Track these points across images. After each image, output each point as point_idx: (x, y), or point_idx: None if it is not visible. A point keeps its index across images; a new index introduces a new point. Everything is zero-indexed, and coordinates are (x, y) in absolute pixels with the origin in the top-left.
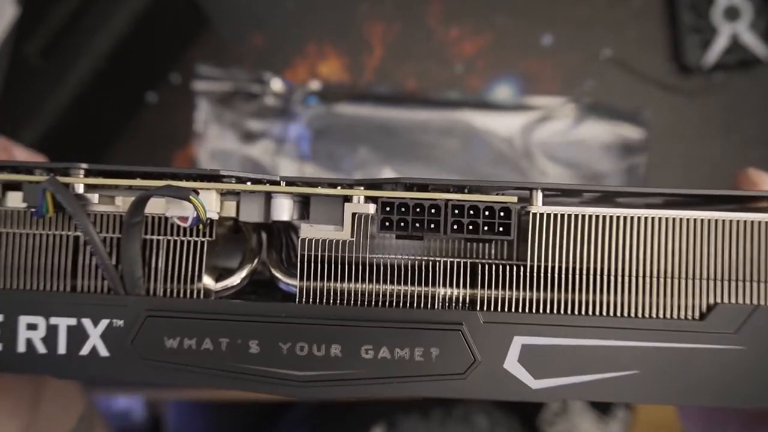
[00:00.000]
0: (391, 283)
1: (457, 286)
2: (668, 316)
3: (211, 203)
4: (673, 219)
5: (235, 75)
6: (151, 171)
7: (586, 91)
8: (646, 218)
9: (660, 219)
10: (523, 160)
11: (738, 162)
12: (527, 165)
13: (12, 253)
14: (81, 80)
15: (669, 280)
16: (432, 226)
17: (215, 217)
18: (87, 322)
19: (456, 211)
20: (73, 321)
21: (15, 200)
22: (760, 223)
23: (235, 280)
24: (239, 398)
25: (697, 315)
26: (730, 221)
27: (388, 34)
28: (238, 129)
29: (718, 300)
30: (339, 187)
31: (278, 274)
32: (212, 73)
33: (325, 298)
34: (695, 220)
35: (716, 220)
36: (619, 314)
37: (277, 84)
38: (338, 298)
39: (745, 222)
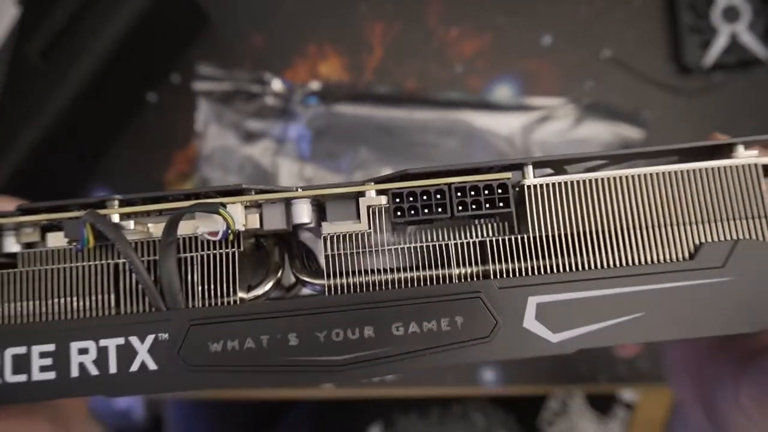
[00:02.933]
0: (410, 270)
1: (470, 264)
2: (663, 260)
3: (237, 216)
4: (653, 174)
5: (235, 75)
6: (178, 193)
7: (586, 91)
8: (628, 177)
9: (641, 176)
10: None
11: None
12: None
13: (58, 287)
14: (81, 80)
15: (658, 229)
16: (440, 209)
17: (242, 229)
18: (134, 340)
19: (459, 194)
20: (121, 340)
21: (55, 240)
22: (725, 168)
23: (264, 287)
24: (240, 397)
25: (687, 255)
26: (702, 170)
27: (388, 35)
28: (238, 129)
29: (703, 240)
30: (349, 187)
31: (305, 277)
32: (213, 74)
33: (351, 289)
34: (672, 173)
35: (690, 171)
36: (619, 265)
37: (277, 84)
38: (363, 288)
39: (713, 169)
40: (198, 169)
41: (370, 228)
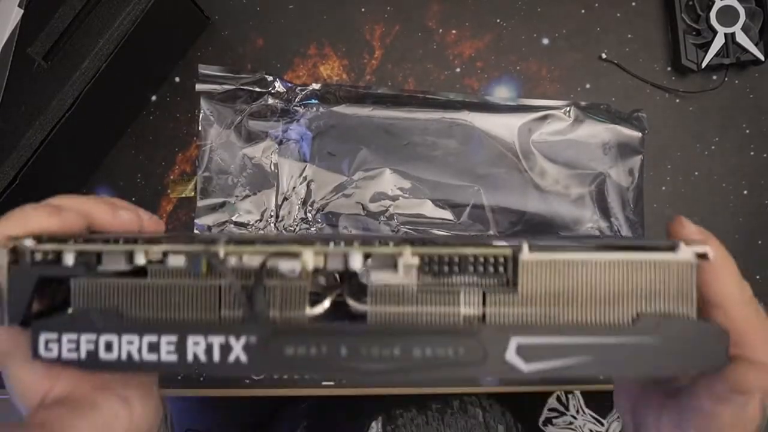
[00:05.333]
0: (431, 305)
1: (473, 306)
2: (612, 323)
3: (309, 259)
4: (612, 261)
5: (236, 76)
6: (268, 238)
7: (585, 92)
8: (595, 261)
9: (603, 261)
10: (522, 161)
11: (734, 160)
12: (526, 165)
13: (179, 296)
14: (83, 82)
15: (611, 300)
16: (457, 269)
17: (311, 269)
18: (232, 340)
19: (471, 259)
20: (222, 339)
21: (174, 260)
22: (667, 261)
23: (324, 306)
24: (242, 395)
25: (630, 321)
26: (649, 261)
27: (388, 36)
28: (239, 129)
29: (642, 311)
30: (392, 244)
31: (352, 302)
32: (214, 74)
33: (387, 318)
34: (625, 261)
35: (639, 260)
36: (579, 322)
37: (277, 85)
38: (395, 319)
39: (658, 261)
40: (199, 170)
41: (404, 276)
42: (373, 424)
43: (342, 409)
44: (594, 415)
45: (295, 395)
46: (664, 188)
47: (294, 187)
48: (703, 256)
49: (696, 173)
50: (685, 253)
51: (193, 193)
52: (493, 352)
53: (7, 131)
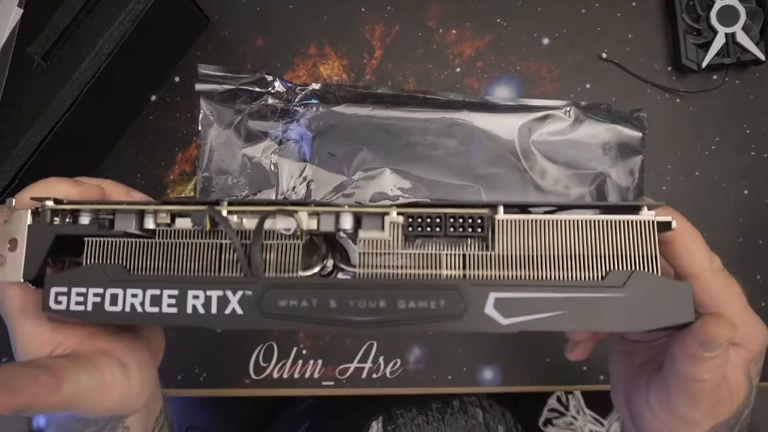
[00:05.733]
0: (414, 268)
1: (454, 268)
2: (582, 278)
3: (303, 219)
4: (582, 220)
5: (236, 76)
6: (266, 201)
7: (585, 92)
8: (566, 220)
9: (574, 221)
10: (522, 161)
11: (734, 160)
12: (526, 165)
13: (181, 254)
14: (83, 81)
15: (582, 257)
16: (438, 229)
17: (305, 228)
18: (229, 293)
19: (451, 219)
20: (220, 293)
21: (181, 223)
22: (632, 221)
23: (315, 269)
24: (242, 395)
25: (600, 277)
26: (616, 221)
27: (387, 36)
28: (239, 129)
29: (611, 268)
30: (379, 209)
31: (342, 265)
32: (213, 74)
33: (373, 276)
34: (595, 220)
35: (608, 220)
36: (552, 278)
37: (277, 85)
38: (381, 276)
39: (625, 221)
40: (199, 170)
41: (390, 237)
42: (374, 423)
43: (342, 409)
44: (594, 415)
45: (295, 395)
46: (664, 188)
47: (294, 187)
48: (666, 225)
49: (696, 173)
50: (647, 214)
51: (193, 193)
52: (473, 306)
53: (7, 131)
